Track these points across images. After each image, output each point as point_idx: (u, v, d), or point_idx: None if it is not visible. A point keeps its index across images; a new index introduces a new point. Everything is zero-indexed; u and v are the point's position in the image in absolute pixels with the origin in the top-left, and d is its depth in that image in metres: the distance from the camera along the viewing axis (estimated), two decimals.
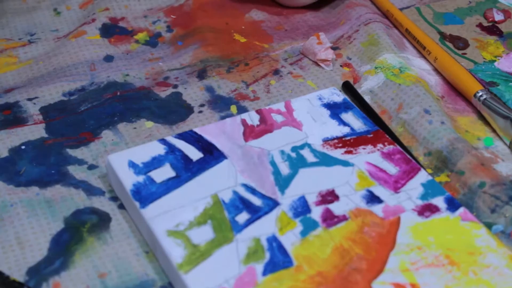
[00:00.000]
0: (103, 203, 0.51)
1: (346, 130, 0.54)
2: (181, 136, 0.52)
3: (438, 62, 0.61)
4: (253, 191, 0.49)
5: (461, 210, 0.48)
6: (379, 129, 0.54)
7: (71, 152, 0.54)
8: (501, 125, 0.55)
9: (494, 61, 0.62)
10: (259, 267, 0.44)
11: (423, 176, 0.50)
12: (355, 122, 0.54)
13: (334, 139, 0.53)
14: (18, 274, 0.46)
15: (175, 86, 0.60)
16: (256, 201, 0.48)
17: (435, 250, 0.45)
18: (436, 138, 0.54)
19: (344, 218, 0.47)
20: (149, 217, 0.47)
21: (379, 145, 0.52)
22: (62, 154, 0.54)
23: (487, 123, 0.57)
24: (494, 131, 0.56)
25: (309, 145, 0.52)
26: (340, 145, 0.52)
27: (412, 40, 0.64)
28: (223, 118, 0.57)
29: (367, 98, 0.59)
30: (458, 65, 0.60)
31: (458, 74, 0.60)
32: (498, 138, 0.56)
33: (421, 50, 0.63)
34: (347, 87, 0.60)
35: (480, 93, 0.57)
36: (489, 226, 0.49)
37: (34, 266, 0.47)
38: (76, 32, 0.65)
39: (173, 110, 0.58)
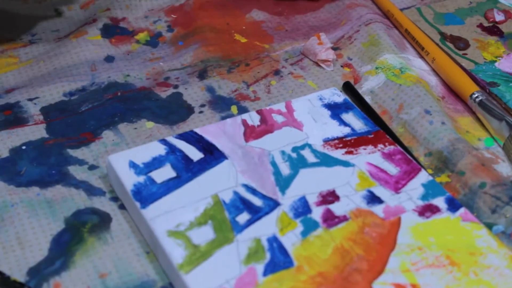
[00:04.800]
0: (103, 204, 0.51)
1: (346, 130, 0.54)
2: (182, 137, 0.52)
3: (435, 63, 0.61)
4: (253, 191, 0.49)
5: (462, 210, 0.48)
6: (379, 130, 0.54)
7: (71, 152, 0.54)
8: (495, 126, 0.55)
9: (495, 61, 0.62)
10: (260, 267, 0.44)
11: (423, 176, 0.50)
12: (356, 122, 0.54)
13: (334, 139, 0.53)
14: (18, 274, 0.46)
15: (176, 86, 0.60)
16: (257, 201, 0.48)
17: (435, 251, 0.45)
18: (436, 138, 0.54)
19: (344, 218, 0.47)
20: (149, 218, 0.47)
21: (380, 146, 0.52)
22: (62, 154, 0.54)
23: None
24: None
25: (309, 146, 0.52)
26: (341, 145, 0.52)
27: (412, 40, 0.64)
28: (223, 118, 0.57)
29: (367, 99, 0.59)
30: (455, 67, 0.60)
31: (455, 76, 0.60)
32: None
33: (420, 50, 0.63)
34: (348, 88, 0.60)
35: (476, 95, 0.57)
36: (489, 226, 0.49)
37: (35, 266, 0.47)
38: (77, 32, 0.65)
39: (173, 111, 0.58)
